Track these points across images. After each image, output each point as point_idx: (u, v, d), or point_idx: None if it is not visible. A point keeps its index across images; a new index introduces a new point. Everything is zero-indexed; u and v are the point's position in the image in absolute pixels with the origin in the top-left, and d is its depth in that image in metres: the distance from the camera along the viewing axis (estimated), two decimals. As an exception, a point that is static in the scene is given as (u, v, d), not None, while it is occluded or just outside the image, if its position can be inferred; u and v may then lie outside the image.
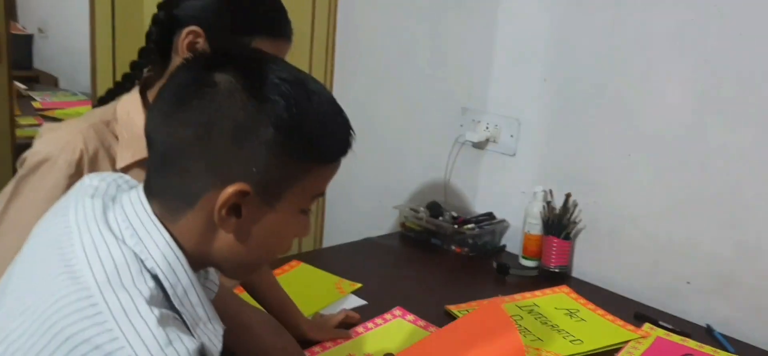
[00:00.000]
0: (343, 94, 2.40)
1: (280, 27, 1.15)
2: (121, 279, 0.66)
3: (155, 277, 0.69)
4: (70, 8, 3.50)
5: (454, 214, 2.00)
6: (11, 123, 2.06)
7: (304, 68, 2.33)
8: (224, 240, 0.74)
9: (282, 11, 1.17)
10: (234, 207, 0.72)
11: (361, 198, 2.39)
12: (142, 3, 1.81)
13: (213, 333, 0.74)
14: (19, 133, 2.26)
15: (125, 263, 0.67)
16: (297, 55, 2.26)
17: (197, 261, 0.75)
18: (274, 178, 0.72)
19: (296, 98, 0.71)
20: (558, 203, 1.86)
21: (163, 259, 0.70)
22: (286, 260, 1.72)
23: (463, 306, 1.53)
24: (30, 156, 1.08)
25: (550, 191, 1.88)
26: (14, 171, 1.09)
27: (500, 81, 2.02)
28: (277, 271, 1.59)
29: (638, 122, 1.73)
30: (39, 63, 4.02)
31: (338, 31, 2.38)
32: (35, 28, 4.02)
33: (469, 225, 1.92)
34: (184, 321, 0.70)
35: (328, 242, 2.48)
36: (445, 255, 1.92)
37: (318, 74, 2.35)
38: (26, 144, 1.13)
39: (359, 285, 1.61)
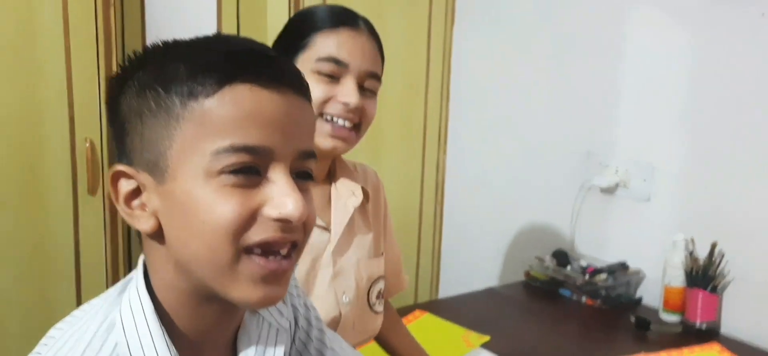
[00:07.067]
0: (459, 140, 2.37)
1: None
2: None
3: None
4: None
5: (583, 263, 1.87)
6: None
7: (420, 113, 2.33)
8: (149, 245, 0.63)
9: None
10: (128, 198, 0.61)
11: (478, 246, 2.30)
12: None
13: None
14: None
15: None
16: (412, 100, 2.25)
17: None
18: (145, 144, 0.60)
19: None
20: (701, 252, 1.70)
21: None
22: (410, 310, 1.66)
23: (606, 364, 1.41)
24: None
25: (692, 239, 1.72)
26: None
27: (629, 123, 1.90)
28: (400, 321, 1.53)
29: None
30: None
31: (453, 77, 2.34)
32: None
33: (602, 276, 1.79)
34: None
35: (444, 290, 2.41)
36: (576, 307, 1.79)
37: (433, 120, 2.32)
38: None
39: (487, 338, 1.53)
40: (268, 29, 1.88)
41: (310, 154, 0.62)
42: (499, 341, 1.52)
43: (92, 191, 1.68)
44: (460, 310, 1.70)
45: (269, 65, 0.59)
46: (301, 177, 0.61)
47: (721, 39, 1.68)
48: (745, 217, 1.65)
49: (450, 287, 2.30)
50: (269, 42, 1.04)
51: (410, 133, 2.27)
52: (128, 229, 1.91)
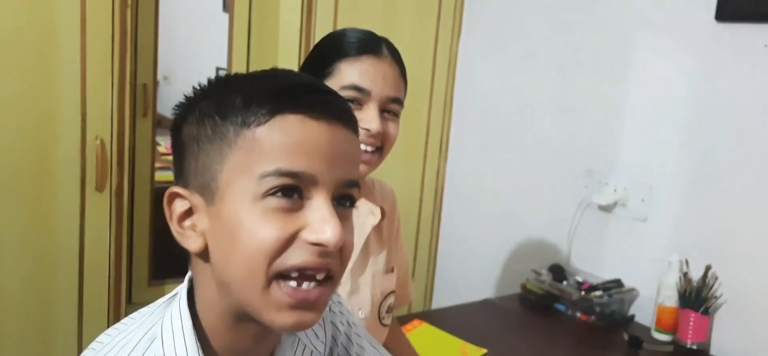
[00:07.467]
0: (460, 149, 2.40)
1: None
2: None
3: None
4: (196, 56, 3.71)
5: (579, 279, 1.91)
6: (152, 171, 2.18)
7: (423, 121, 2.36)
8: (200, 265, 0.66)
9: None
10: (180, 218, 0.65)
11: (475, 256, 2.34)
12: (277, 54, 1.88)
13: None
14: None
15: None
16: (416, 108, 2.27)
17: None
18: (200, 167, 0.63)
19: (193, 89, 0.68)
20: (695, 273, 1.74)
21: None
22: (408, 319, 1.69)
23: (600, 382, 1.44)
24: None
25: (686, 261, 1.76)
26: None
27: (631, 144, 1.93)
28: (399, 330, 1.56)
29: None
30: (162, 109, 4.27)
31: (457, 88, 2.38)
32: (161, 76, 4.29)
33: (597, 292, 1.83)
34: None
35: (438, 299, 2.44)
36: (571, 322, 1.83)
37: (436, 127, 2.35)
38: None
39: (485, 351, 1.56)
40: (279, 44, 1.91)
41: (354, 183, 0.64)
42: (496, 354, 1.55)
43: (100, 188, 1.71)
44: (456, 321, 1.73)
45: (319, 98, 0.63)
46: (343, 204, 0.64)
47: (724, 67, 1.71)
48: (739, 242, 1.69)
49: (444, 295, 2.34)
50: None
51: (412, 139, 2.30)
52: (131, 228, 1.93)
